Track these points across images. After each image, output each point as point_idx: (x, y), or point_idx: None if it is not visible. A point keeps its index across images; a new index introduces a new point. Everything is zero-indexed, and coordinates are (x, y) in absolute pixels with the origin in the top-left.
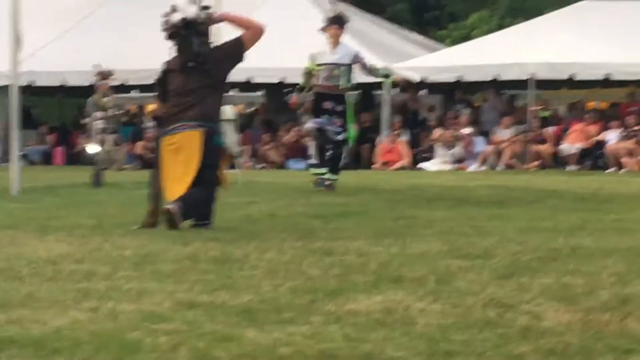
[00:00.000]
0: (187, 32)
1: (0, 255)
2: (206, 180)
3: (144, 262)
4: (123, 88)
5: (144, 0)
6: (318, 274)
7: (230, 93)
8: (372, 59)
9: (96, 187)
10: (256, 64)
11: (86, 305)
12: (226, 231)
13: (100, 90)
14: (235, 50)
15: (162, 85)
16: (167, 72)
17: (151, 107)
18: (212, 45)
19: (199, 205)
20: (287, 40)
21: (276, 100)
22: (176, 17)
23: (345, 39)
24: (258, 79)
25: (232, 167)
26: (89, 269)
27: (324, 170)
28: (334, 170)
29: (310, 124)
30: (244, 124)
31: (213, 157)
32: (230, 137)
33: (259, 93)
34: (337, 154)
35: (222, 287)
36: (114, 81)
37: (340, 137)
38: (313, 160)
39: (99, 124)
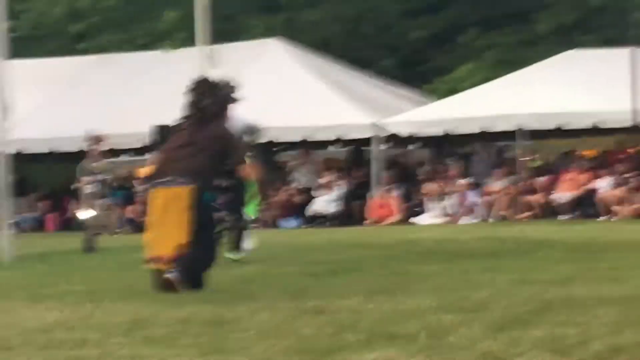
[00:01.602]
0: (201, 89)
1: None
2: (203, 243)
3: (135, 328)
4: (114, 152)
5: (133, 66)
6: (311, 333)
7: None
8: (360, 116)
9: (88, 252)
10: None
11: None
12: (218, 292)
13: (90, 155)
14: (229, 151)
15: (160, 143)
16: (168, 130)
17: (142, 170)
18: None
19: (196, 271)
20: (275, 101)
21: (264, 160)
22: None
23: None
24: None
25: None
26: (80, 337)
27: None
28: (235, 248)
29: None
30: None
31: (206, 215)
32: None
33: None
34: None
35: (214, 351)
36: (105, 146)
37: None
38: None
39: (88, 189)
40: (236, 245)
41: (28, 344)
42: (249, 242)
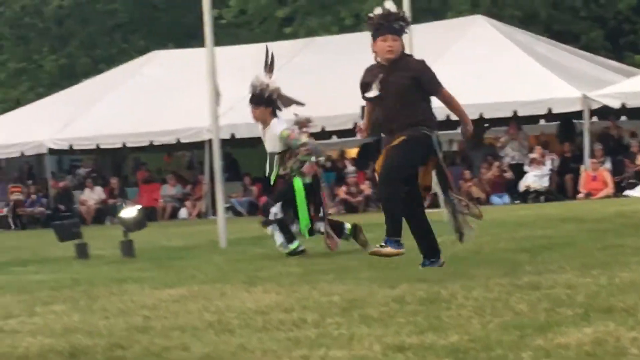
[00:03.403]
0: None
1: (211, 308)
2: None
3: (351, 307)
4: (323, 134)
5: (339, 49)
6: (527, 308)
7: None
8: (570, 89)
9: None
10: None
11: (297, 354)
12: (432, 270)
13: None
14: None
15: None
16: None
17: (351, 152)
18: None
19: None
20: (483, 77)
21: (474, 136)
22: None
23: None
24: (455, 117)
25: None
26: (298, 318)
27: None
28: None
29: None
30: (446, 162)
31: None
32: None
33: (457, 130)
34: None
35: (430, 328)
36: (313, 128)
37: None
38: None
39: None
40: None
41: (247, 326)
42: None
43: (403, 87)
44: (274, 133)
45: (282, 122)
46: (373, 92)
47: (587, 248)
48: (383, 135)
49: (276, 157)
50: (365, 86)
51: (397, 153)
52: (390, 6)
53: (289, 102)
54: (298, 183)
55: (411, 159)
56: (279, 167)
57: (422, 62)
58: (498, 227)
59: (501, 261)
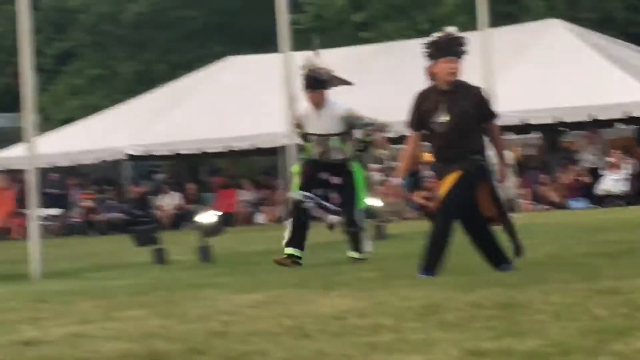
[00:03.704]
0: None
1: (288, 314)
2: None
3: (428, 313)
4: (399, 140)
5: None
6: (605, 313)
7: (506, 136)
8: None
9: (379, 239)
10: (531, 106)
11: (375, 358)
12: (509, 275)
13: (376, 143)
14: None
15: None
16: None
17: (428, 155)
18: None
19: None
20: (560, 81)
21: (551, 141)
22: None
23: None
24: (533, 121)
25: (512, 210)
26: (374, 323)
27: (293, 251)
28: (356, 249)
29: (295, 195)
30: (523, 166)
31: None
32: (509, 181)
33: (532, 134)
34: (353, 233)
35: (508, 334)
36: (390, 133)
37: (332, 219)
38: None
39: (375, 176)
40: (356, 246)
41: (324, 331)
42: (369, 243)
43: (468, 115)
44: (336, 113)
45: (338, 103)
46: (443, 117)
47: None
48: (436, 163)
49: (333, 139)
50: (426, 113)
51: (455, 187)
52: (454, 30)
53: (339, 82)
54: (357, 168)
55: (469, 195)
56: (336, 150)
57: (482, 89)
58: (577, 231)
59: (580, 266)
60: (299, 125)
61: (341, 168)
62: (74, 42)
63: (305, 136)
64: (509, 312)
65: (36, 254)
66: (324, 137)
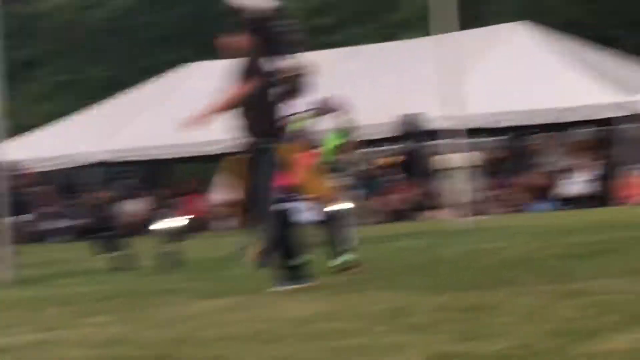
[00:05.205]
0: None
1: (257, 318)
2: None
3: (397, 316)
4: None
5: (377, 58)
6: (573, 315)
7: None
8: (609, 94)
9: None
10: (501, 108)
11: None
12: (477, 278)
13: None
14: None
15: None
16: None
17: (388, 160)
18: None
19: None
20: (524, 83)
21: (517, 143)
22: None
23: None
24: (501, 124)
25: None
26: (344, 326)
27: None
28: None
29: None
30: (492, 169)
31: None
32: (470, 184)
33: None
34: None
35: (476, 336)
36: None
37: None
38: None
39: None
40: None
41: (294, 335)
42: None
43: None
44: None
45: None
46: None
47: (633, 254)
48: None
49: None
50: None
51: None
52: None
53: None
54: None
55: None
56: None
57: None
58: (544, 233)
59: (549, 267)
60: None
61: None
62: (40, 49)
63: None
64: (478, 314)
65: (8, 260)
66: None
